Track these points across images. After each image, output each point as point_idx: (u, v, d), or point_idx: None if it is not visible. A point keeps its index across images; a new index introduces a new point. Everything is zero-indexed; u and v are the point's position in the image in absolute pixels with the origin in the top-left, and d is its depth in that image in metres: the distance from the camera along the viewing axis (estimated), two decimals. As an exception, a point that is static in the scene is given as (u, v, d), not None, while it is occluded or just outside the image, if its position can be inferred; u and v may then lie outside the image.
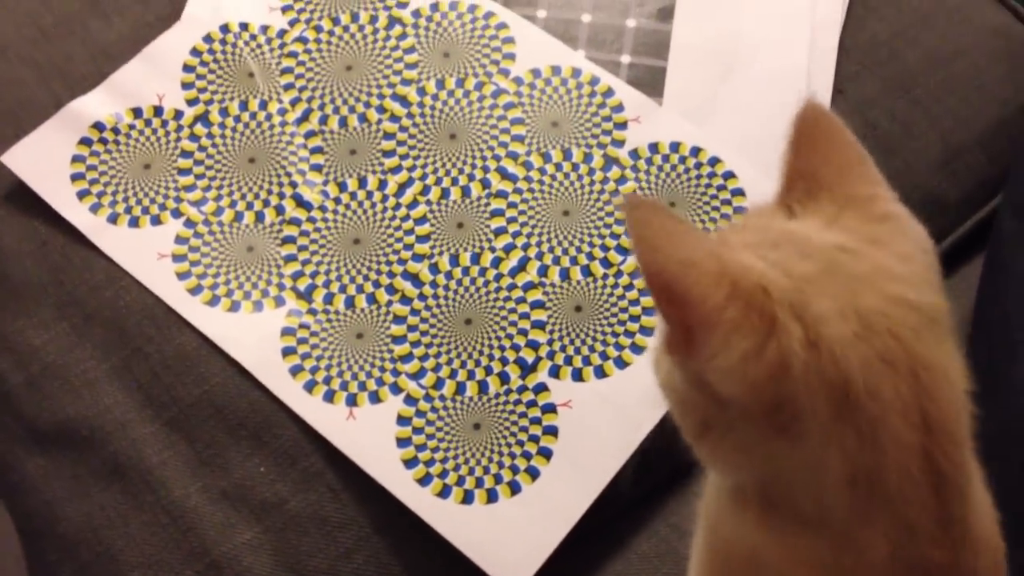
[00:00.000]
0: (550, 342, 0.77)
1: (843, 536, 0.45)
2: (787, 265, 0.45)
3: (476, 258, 0.80)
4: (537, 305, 0.79)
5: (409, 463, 0.74)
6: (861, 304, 0.43)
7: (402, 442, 0.74)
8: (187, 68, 0.88)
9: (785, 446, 0.45)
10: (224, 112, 0.86)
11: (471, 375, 0.76)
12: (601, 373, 0.76)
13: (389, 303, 0.79)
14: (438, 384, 0.76)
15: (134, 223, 0.82)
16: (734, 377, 0.44)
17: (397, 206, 0.82)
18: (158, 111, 0.86)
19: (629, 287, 0.79)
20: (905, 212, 0.49)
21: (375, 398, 0.76)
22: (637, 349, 0.77)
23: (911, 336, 0.44)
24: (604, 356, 0.77)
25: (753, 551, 0.50)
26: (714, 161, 0.83)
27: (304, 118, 0.86)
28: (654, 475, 0.78)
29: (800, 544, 0.47)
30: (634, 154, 0.84)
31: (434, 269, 0.80)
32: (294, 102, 0.86)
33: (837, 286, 0.44)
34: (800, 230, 0.47)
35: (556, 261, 0.80)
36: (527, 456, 0.74)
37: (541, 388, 0.76)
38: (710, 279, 0.43)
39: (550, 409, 0.75)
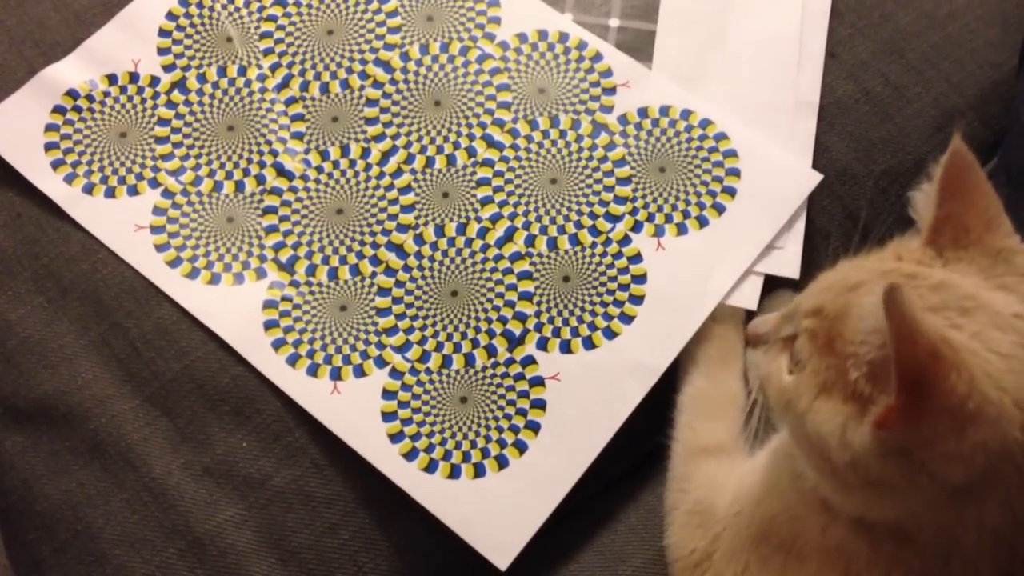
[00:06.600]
0: (538, 314, 0.76)
1: (952, 555, 0.51)
2: (990, 341, 0.49)
3: (462, 228, 0.79)
4: (524, 276, 0.77)
5: (395, 437, 0.72)
6: None
7: (387, 416, 0.73)
8: (163, 33, 0.85)
9: (957, 504, 0.49)
10: (202, 78, 0.84)
11: (457, 348, 0.75)
12: (590, 344, 0.75)
13: (373, 275, 0.77)
14: (424, 357, 0.75)
15: (110, 193, 0.80)
16: (960, 462, 0.47)
17: (381, 175, 0.81)
18: (134, 77, 0.84)
19: (618, 255, 0.78)
20: None
21: (360, 372, 0.74)
22: (626, 319, 0.76)
23: None
24: (592, 327, 0.75)
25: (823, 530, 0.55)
26: (705, 123, 0.82)
27: (284, 84, 0.84)
28: (640, 447, 0.77)
29: (892, 551, 0.52)
30: (623, 119, 0.82)
31: (419, 240, 0.78)
32: (274, 68, 0.84)
33: None
34: (973, 290, 0.51)
35: (543, 231, 0.78)
36: (514, 430, 0.73)
37: (529, 361, 0.75)
38: (954, 372, 0.46)
39: (538, 382, 0.74)
